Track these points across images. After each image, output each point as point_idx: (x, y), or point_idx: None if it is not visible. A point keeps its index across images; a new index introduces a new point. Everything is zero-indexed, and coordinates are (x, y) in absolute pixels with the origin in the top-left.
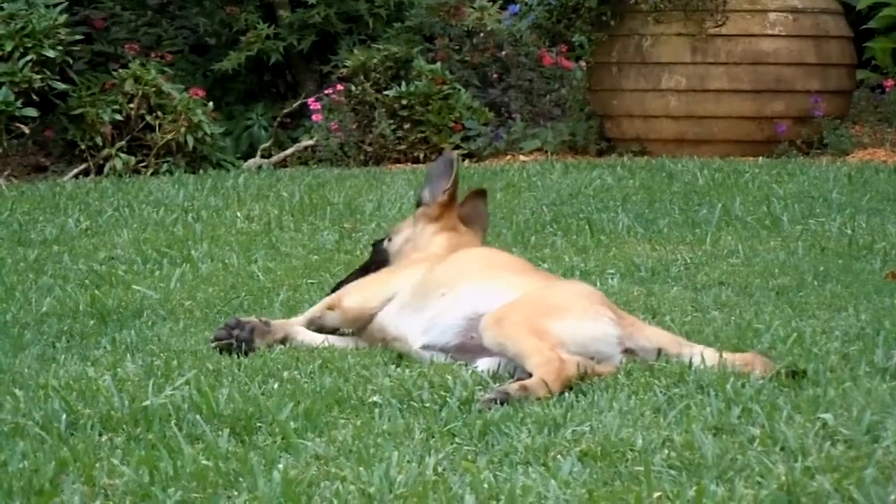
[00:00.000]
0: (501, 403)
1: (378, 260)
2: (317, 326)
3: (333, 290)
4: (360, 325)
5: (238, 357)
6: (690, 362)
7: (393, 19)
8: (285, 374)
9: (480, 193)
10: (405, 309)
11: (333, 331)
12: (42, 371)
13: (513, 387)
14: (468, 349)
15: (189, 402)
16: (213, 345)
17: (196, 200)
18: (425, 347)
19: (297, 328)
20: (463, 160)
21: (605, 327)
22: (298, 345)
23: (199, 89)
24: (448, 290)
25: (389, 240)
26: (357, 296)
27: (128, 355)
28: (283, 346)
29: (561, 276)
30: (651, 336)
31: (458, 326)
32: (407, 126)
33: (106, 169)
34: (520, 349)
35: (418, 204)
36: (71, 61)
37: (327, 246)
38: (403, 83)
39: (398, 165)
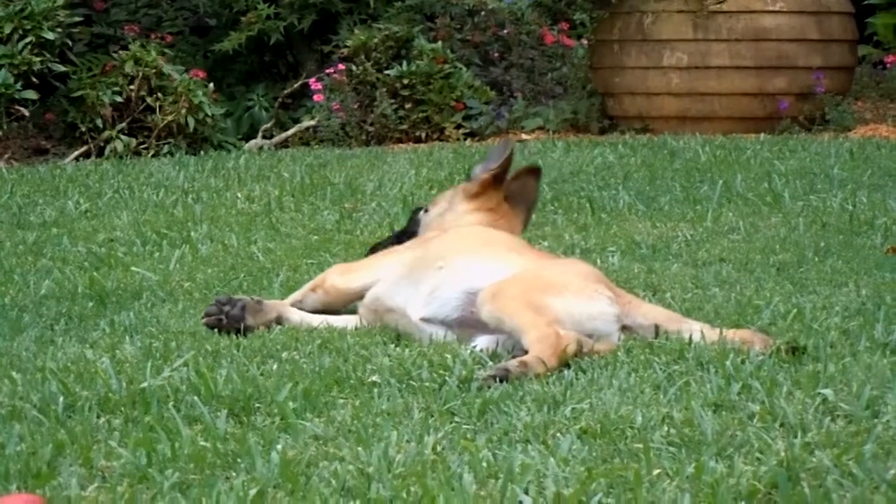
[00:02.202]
0: (501, 381)
1: (411, 229)
2: (298, 308)
3: (369, 253)
4: (341, 306)
5: (235, 337)
6: (690, 339)
7: None
8: (284, 354)
9: (533, 171)
10: (402, 280)
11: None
12: (40, 353)
13: (512, 363)
14: (468, 323)
15: (187, 383)
16: (204, 321)
17: (196, 182)
18: (425, 320)
19: (291, 309)
20: (465, 139)
21: (602, 305)
22: (297, 325)
23: (199, 70)
24: (445, 262)
25: (426, 211)
26: (340, 278)
27: (126, 337)
28: (281, 327)
29: (560, 255)
30: (648, 313)
31: (458, 300)
32: (408, 106)
33: (107, 151)
34: (516, 324)
35: (468, 178)
36: (71, 43)
37: (327, 226)
38: (405, 62)
39: (400, 145)
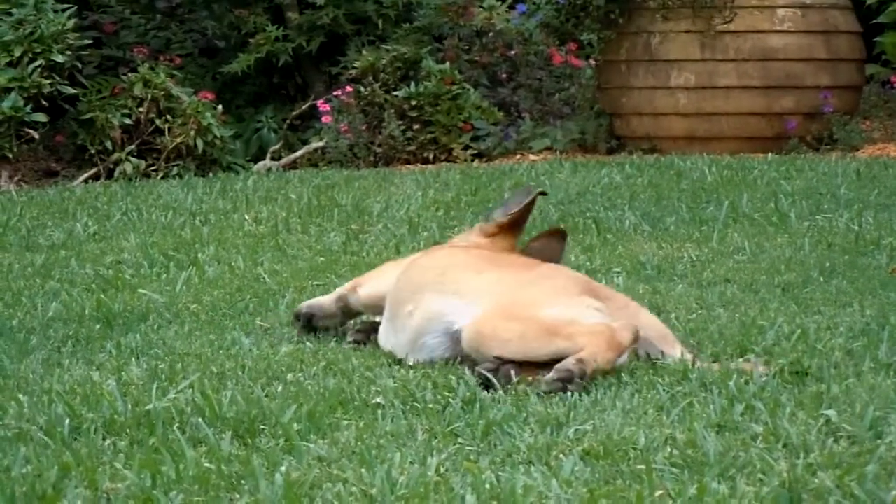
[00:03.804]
0: (565, 385)
1: None
2: (343, 304)
3: None
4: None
5: (240, 359)
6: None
7: (401, 20)
8: (289, 376)
9: (559, 233)
10: (387, 328)
11: (356, 314)
12: (47, 376)
13: (570, 362)
14: (465, 357)
15: (192, 405)
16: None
17: (204, 203)
18: (421, 363)
19: None
20: (473, 160)
21: (593, 317)
22: None
23: (208, 92)
24: (413, 306)
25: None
26: (370, 284)
27: (132, 359)
28: (287, 349)
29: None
30: (645, 324)
31: (443, 344)
32: (416, 127)
33: (116, 173)
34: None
35: (486, 220)
36: (80, 66)
37: (334, 247)
38: (412, 84)
39: (408, 166)
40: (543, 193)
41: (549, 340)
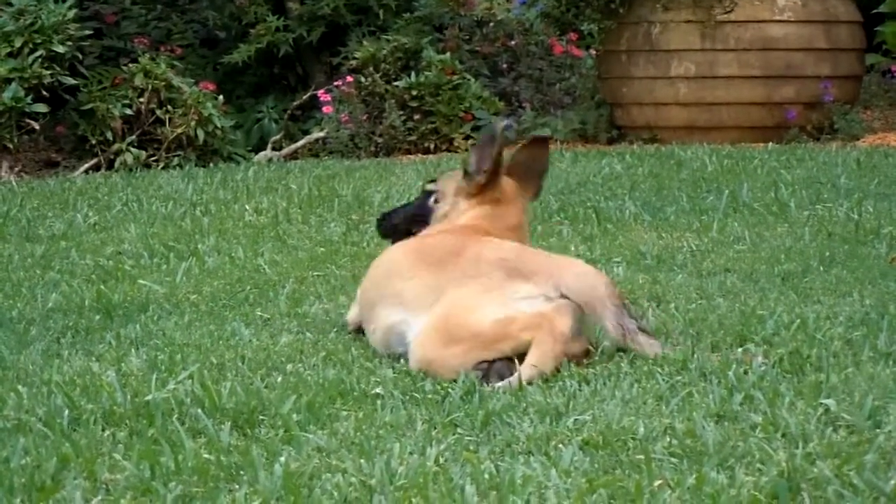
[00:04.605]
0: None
1: (422, 212)
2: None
3: (379, 223)
4: None
5: (239, 350)
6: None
7: (402, 10)
8: (289, 367)
9: (541, 141)
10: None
11: None
12: (46, 367)
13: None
14: None
15: (192, 396)
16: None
17: (205, 194)
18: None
19: None
20: None
21: (525, 306)
22: None
23: (209, 83)
24: (375, 325)
25: (436, 201)
26: (352, 309)
27: (132, 350)
28: (286, 339)
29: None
30: (572, 287)
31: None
32: (417, 117)
33: (117, 163)
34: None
35: (466, 171)
36: (81, 56)
37: (334, 238)
38: (413, 74)
39: (409, 156)
40: (509, 127)
41: (495, 349)
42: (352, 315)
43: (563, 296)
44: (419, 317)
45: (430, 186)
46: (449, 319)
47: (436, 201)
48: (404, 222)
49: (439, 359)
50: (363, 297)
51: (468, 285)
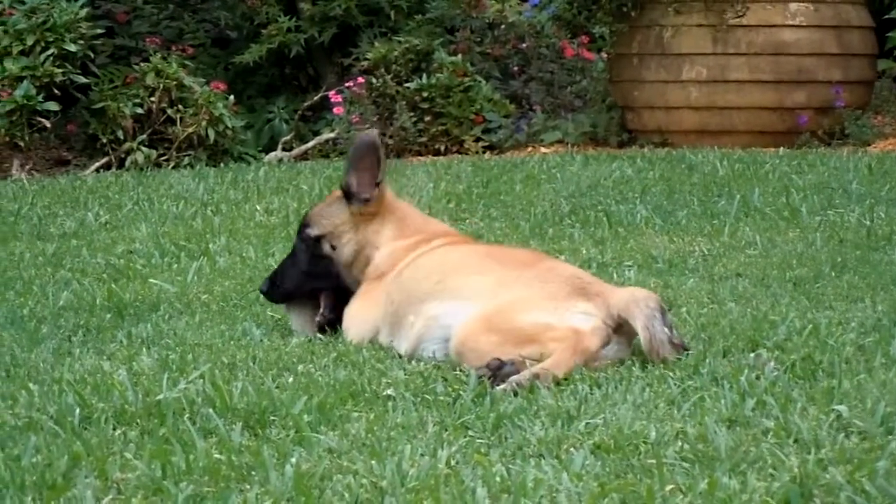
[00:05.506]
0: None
1: (318, 266)
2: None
3: (270, 293)
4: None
5: (251, 350)
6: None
7: (414, 11)
8: (300, 367)
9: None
10: (389, 335)
11: None
12: (57, 365)
13: (524, 375)
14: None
15: (203, 395)
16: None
17: (216, 194)
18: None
19: None
20: (484, 152)
21: (578, 321)
22: None
23: (220, 82)
24: (415, 316)
25: (333, 246)
26: (354, 331)
27: (143, 349)
28: (298, 339)
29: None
30: (622, 308)
31: (444, 348)
32: (428, 118)
33: (127, 162)
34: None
35: (345, 192)
36: (93, 55)
37: None
38: (424, 76)
39: (419, 158)
40: (380, 136)
41: (523, 349)
42: (363, 331)
43: (617, 321)
44: (474, 306)
45: (310, 232)
46: (499, 310)
47: (332, 247)
48: (302, 283)
49: (473, 342)
50: (401, 286)
51: (534, 288)
